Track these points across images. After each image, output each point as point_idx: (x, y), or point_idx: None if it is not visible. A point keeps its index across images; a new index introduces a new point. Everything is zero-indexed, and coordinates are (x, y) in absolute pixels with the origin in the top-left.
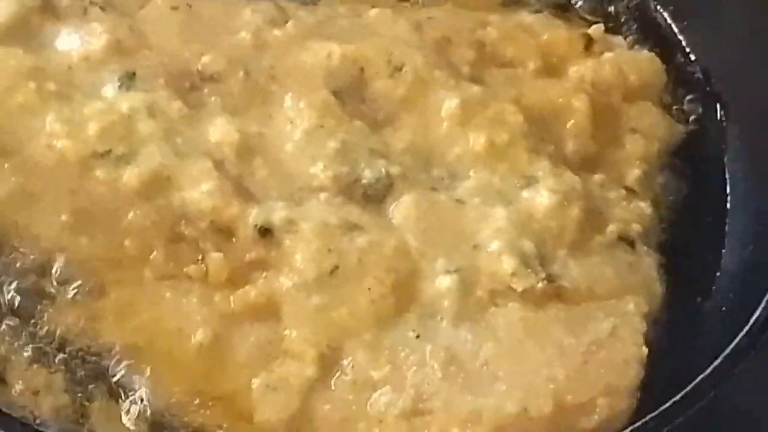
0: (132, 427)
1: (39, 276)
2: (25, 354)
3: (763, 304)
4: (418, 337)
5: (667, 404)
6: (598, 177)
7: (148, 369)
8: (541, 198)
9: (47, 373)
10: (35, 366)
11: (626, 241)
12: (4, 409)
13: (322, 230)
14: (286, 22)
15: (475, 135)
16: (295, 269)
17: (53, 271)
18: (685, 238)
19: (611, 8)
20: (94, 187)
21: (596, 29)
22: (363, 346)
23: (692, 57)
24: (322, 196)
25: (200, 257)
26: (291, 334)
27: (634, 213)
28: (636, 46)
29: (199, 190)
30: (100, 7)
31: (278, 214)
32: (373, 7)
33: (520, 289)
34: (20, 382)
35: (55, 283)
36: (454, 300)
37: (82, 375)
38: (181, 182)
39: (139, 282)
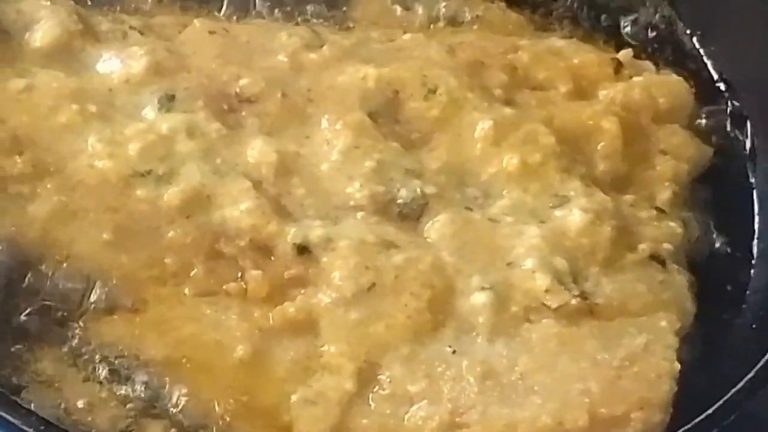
0: None
1: (81, 293)
2: (72, 370)
3: None
4: (454, 352)
5: (700, 418)
6: (628, 197)
7: (189, 383)
8: (573, 217)
9: (93, 388)
10: (83, 382)
11: (657, 259)
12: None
13: (359, 248)
14: (322, 45)
15: (508, 155)
16: (332, 286)
17: (95, 287)
18: (716, 257)
19: (640, 32)
20: (135, 205)
21: (625, 54)
22: (400, 360)
23: (720, 80)
24: (359, 214)
25: (239, 274)
26: (329, 349)
27: (664, 232)
28: (665, 70)
29: (238, 209)
30: (139, 32)
31: (316, 232)
32: (405, 32)
33: (554, 306)
34: (71, 398)
35: (97, 300)
36: (489, 316)
37: (127, 389)
38: (221, 201)
39: (180, 299)
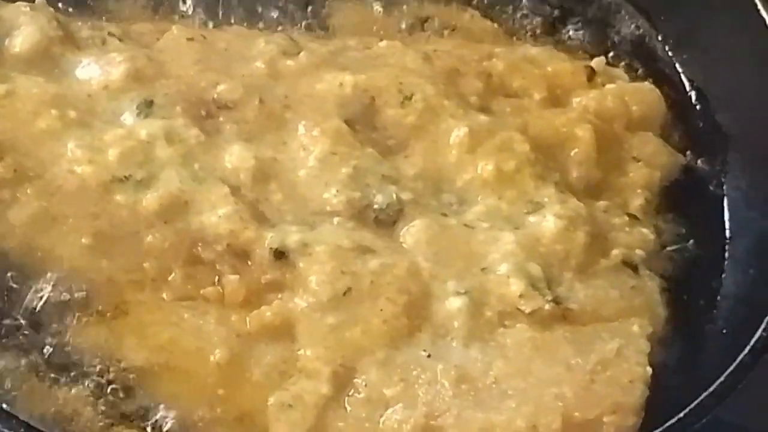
0: None
1: (60, 297)
2: (49, 375)
3: (763, 326)
4: (429, 356)
5: (671, 422)
6: (602, 203)
7: (168, 387)
8: (547, 223)
9: (70, 393)
10: (60, 387)
11: (630, 265)
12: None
13: (335, 253)
14: (299, 52)
15: (483, 162)
16: (309, 290)
17: (75, 292)
18: (687, 263)
19: (613, 41)
20: (114, 210)
21: (598, 62)
22: (376, 364)
23: (692, 88)
24: (336, 220)
25: (217, 279)
26: (306, 353)
27: (637, 238)
28: (638, 79)
29: (216, 214)
30: (119, 38)
31: (293, 237)
32: (382, 39)
33: (528, 311)
34: (46, 404)
35: (76, 304)
36: (464, 320)
37: (107, 395)
38: (199, 206)
39: (158, 303)
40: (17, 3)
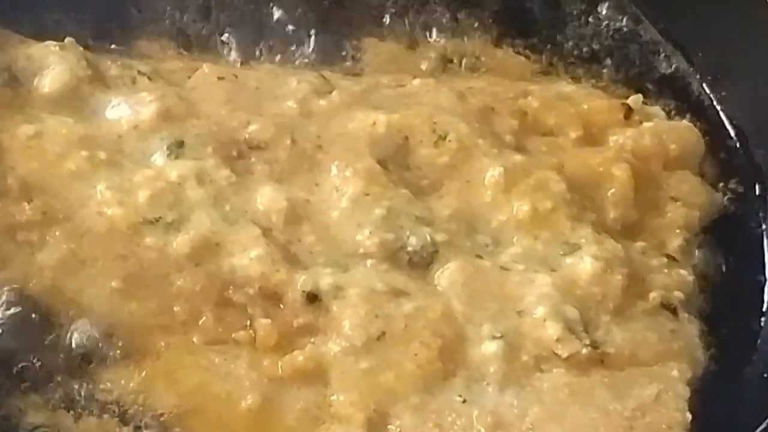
0: None
1: (90, 341)
2: (80, 419)
3: None
4: (464, 401)
5: None
6: (639, 244)
7: None
8: (584, 264)
9: None
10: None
11: (668, 308)
12: None
13: (368, 296)
14: (331, 91)
15: (519, 202)
16: (342, 334)
17: (104, 336)
18: (726, 306)
19: (650, 78)
20: (144, 253)
21: (635, 99)
22: (410, 410)
23: (730, 126)
24: (369, 262)
25: (249, 322)
26: (339, 398)
27: (675, 280)
28: (675, 116)
29: (248, 257)
30: (148, 77)
31: (325, 280)
32: (415, 77)
33: (564, 355)
34: None
35: (105, 348)
36: (499, 365)
37: None
38: (230, 248)
39: (189, 347)
40: (47, 42)
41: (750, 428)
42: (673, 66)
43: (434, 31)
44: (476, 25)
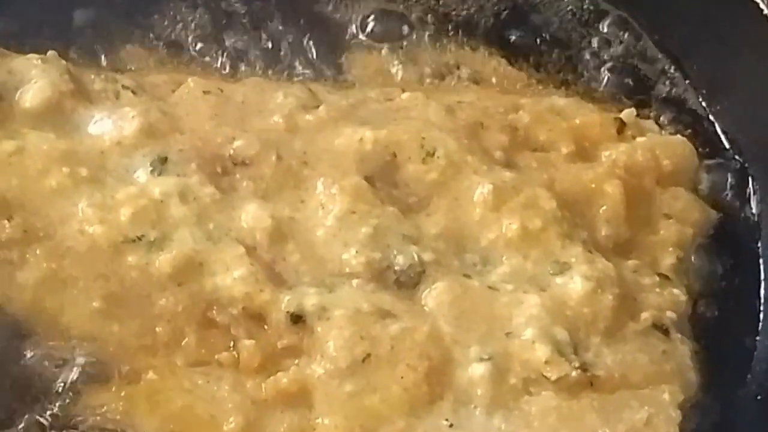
0: None
1: (70, 362)
2: None
3: None
4: (451, 425)
5: None
6: (631, 263)
7: None
8: (574, 284)
9: None
10: None
11: (660, 328)
12: None
13: (354, 317)
14: (318, 106)
15: (508, 221)
16: (327, 356)
17: (84, 357)
18: (720, 326)
19: (643, 91)
20: (126, 272)
21: (628, 113)
22: None
23: (726, 140)
24: (355, 282)
25: (232, 344)
26: (323, 422)
27: (668, 300)
28: (669, 130)
29: (231, 276)
30: (132, 91)
31: (310, 300)
32: (404, 90)
33: (553, 378)
34: None
35: (86, 370)
36: (487, 388)
37: None
38: (214, 268)
39: (172, 368)
40: (29, 55)
41: None
42: (669, 80)
43: (425, 42)
44: (469, 38)
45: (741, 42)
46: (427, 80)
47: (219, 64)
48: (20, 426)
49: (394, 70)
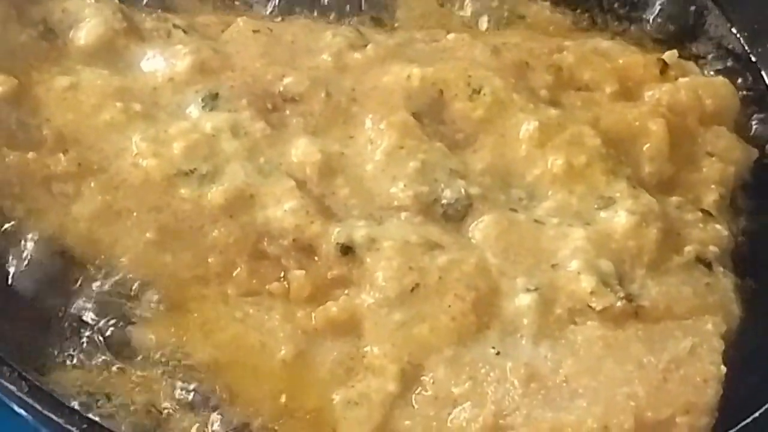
0: None
1: (125, 293)
2: (113, 371)
3: None
4: (498, 353)
5: (745, 422)
6: (674, 199)
7: (233, 384)
8: (619, 218)
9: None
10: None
11: (703, 262)
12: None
13: (403, 248)
14: (366, 45)
15: (553, 157)
16: (376, 286)
17: (138, 288)
18: (762, 260)
19: (686, 33)
20: (178, 204)
21: (671, 55)
22: (444, 362)
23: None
24: (403, 215)
25: (282, 274)
26: (372, 350)
27: (710, 235)
28: (711, 72)
29: (282, 209)
30: (183, 30)
31: (360, 232)
32: (449, 32)
33: (599, 308)
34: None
35: (140, 300)
36: (533, 318)
37: (172, 390)
38: (264, 201)
39: (223, 299)
40: None
41: None
42: (711, 22)
43: None
44: None
45: None
46: (473, 24)
47: (267, 8)
48: (72, 354)
49: (439, 13)
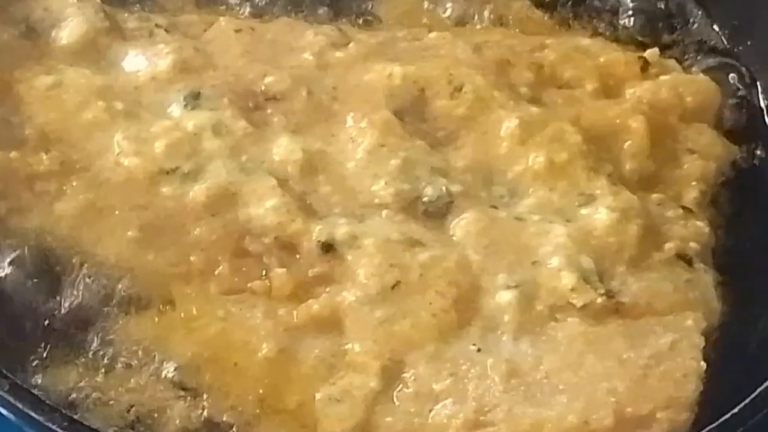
0: None
1: (107, 291)
2: (95, 369)
3: None
4: (479, 350)
5: (725, 417)
6: (655, 196)
7: (215, 382)
8: (599, 215)
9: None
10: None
11: (684, 258)
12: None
13: (384, 246)
14: (348, 44)
15: (535, 154)
16: (357, 284)
17: (121, 286)
18: (742, 257)
19: (667, 31)
20: (161, 203)
21: (652, 53)
22: (425, 358)
23: (749, 79)
24: (384, 212)
25: (264, 272)
26: (354, 347)
27: (691, 231)
28: (692, 69)
29: (264, 207)
30: (165, 30)
31: (341, 230)
32: (431, 30)
33: (579, 305)
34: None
35: (123, 298)
36: (514, 314)
37: (154, 388)
38: (247, 199)
39: (206, 297)
40: None
41: (763, 377)
42: (692, 19)
43: None
44: None
45: None
46: (454, 22)
47: (247, 7)
48: (55, 353)
49: (421, 12)
